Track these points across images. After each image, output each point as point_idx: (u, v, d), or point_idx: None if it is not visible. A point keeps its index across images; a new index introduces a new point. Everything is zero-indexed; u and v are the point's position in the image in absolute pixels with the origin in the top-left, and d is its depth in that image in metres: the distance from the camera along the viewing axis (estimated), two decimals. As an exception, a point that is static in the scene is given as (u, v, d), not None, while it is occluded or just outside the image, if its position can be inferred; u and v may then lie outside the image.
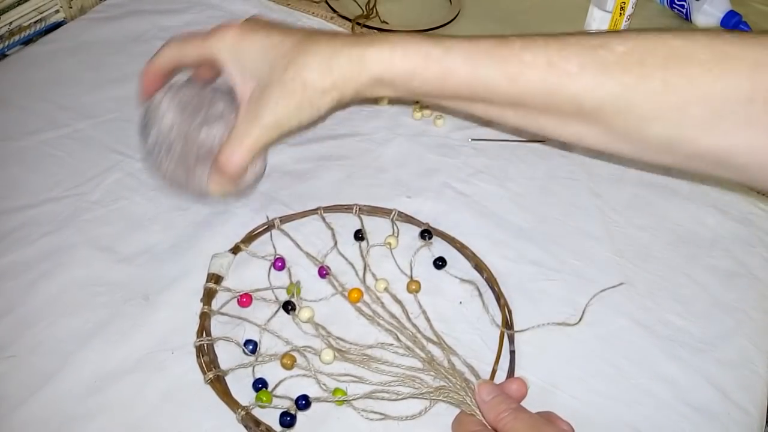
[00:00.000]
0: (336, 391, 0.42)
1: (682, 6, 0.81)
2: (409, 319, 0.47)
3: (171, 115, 0.45)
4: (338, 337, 0.46)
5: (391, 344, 0.45)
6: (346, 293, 0.49)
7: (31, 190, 0.57)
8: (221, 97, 0.47)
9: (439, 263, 0.52)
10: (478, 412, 0.39)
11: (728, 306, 0.51)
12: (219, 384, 0.42)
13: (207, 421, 0.42)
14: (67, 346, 0.45)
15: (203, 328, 0.45)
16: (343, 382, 0.43)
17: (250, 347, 0.44)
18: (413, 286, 0.50)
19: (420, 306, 0.49)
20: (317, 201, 0.57)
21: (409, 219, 0.55)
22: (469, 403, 0.40)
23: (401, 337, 0.46)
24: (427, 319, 0.47)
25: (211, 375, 0.42)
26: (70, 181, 0.57)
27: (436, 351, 0.45)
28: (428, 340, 0.46)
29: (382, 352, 0.45)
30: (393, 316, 0.47)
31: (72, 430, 0.41)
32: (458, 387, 0.41)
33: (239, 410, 0.41)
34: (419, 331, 0.46)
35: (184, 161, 0.45)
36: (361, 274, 0.51)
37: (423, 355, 0.44)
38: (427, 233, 0.53)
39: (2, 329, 0.46)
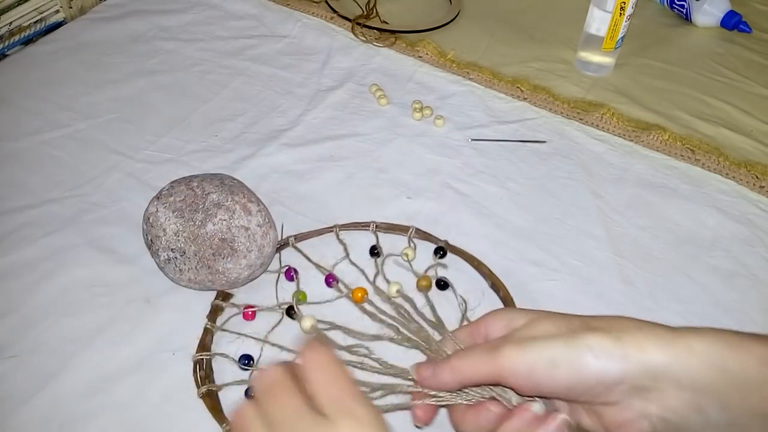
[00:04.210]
0: None
1: (682, 6, 0.81)
2: (416, 309, 0.46)
3: (172, 223, 0.46)
4: (343, 326, 0.46)
5: (393, 338, 0.44)
6: (350, 294, 0.48)
7: (32, 190, 0.57)
8: (210, 186, 0.47)
9: (442, 283, 0.50)
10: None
11: (728, 306, 0.51)
12: (209, 398, 0.43)
13: (207, 422, 0.42)
14: (68, 346, 0.45)
15: (203, 344, 0.46)
16: None
17: (245, 361, 0.45)
18: (424, 282, 0.49)
19: (428, 300, 0.48)
20: (318, 202, 0.57)
21: (426, 236, 0.54)
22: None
23: (402, 330, 0.45)
24: (432, 309, 0.47)
25: (203, 389, 0.43)
26: (70, 182, 0.57)
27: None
28: (431, 325, 0.45)
29: (384, 350, 0.44)
30: (398, 312, 0.46)
31: (73, 430, 0.41)
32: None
33: (224, 425, 0.41)
34: (424, 319, 0.45)
35: (203, 260, 0.46)
36: (372, 278, 0.50)
37: (422, 342, 0.42)
38: (441, 250, 0.52)
39: (3, 329, 0.46)
